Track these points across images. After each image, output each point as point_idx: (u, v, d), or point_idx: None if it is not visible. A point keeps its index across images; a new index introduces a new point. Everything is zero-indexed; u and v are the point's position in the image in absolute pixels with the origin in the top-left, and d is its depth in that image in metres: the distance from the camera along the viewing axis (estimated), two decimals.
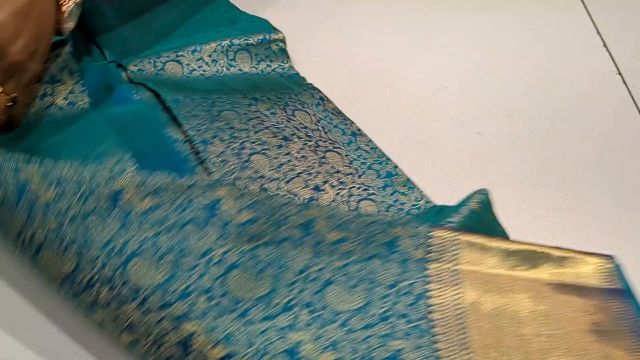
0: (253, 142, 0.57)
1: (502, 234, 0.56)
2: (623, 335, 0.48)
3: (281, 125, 0.61)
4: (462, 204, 0.55)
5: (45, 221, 0.40)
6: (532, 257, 0.52)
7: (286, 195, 0.53)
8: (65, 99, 0.55)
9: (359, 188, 0.58)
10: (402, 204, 0.58)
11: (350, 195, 0.57)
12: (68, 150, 0.50)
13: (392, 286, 0.46)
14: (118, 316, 0.40)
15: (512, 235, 0.57)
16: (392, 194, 0.59)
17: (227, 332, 0.39)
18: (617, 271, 0.53)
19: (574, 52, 0.81)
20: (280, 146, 0.58)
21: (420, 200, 0.59)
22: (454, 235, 0.50)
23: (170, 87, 0.60)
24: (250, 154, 0.56)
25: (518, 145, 0.69)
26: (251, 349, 0.39)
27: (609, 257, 0.54)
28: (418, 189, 0.60)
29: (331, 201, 0.56)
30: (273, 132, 0.59)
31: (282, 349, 0.40)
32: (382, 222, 0.49)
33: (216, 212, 0.44)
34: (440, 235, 0.50)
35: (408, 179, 0.61)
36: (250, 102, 0.61)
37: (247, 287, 0.42)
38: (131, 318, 0.39)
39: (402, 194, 0.59)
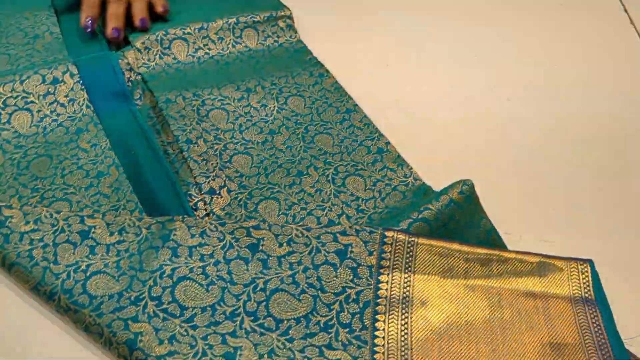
0: (236, 143, 0.57)
1: (486, 227, 0.51)
2: (584, 350, 0.43)
3: (270, 119, 0.59)
4: (443, 192, 0.51)
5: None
6: (496, 264, 0.47)
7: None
8: (66, 96, 0.58)
9: (346, 165, 0.56)
10: (390, 179, 0.55)
11: (337, 173, 0.55)
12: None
13: (339, 293, 0.45)
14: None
15: (523, 210, 0.54)
16: (381, 169, 0.56)
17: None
18: (593, 279, 0.46)
19: (600, 27, 0.76)
20: (265, 141, 0.58)
21: (408, 177, 0.56)
22: (410, 239, 0.47)
23: (165, 83, 0.61)
24: (232, 155, 0.56)
25: (546, 113, 0.65)
26: (193, 349, 0.41)
27: (585, 262, 0.47)
28: (408, 165, 0.56)
29: (315, 182, 0.54)
30: (260, 128, 0.59)
31: (221, 353, 0.41)
32: (334, 232, 0.48)
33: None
34: (396, 239, 0.47)
35: (399, 156, 0.57)
36: (241, 96, 0.61)
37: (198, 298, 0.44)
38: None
39: (391, 170, 0.56)
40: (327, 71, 0.64)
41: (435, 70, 0.67)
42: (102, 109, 0.59)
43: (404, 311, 0.44)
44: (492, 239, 0.51)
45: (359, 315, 0.44)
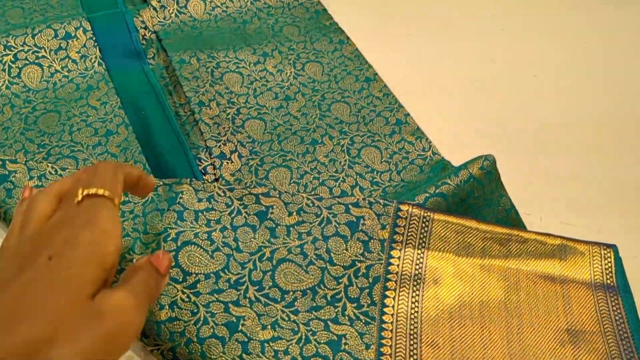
0: (250, 107, 0.54)
1: (506, 206, 0.48)
2: (604, 339, 0.39)
3: (285, 84, 0.56)
4: (463, 166, 0.47)
5: None
6: (514, 244, 0.44)
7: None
8: (78, 52, 0.56)
9: (362, 135, 0.53)
10: (408, 152, 0.52)
11: (352, 143, 0.52)
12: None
13: (348, 267, 0.42)
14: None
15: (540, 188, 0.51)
16: (398, 142, 0.53)
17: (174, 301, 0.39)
18: (616, 265, 0.43)
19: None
20: (279, 107, 0.54)
21: (427, 151, 0.52)
22: (426, 214, 0.44)
23: (180, 42, 0.58)
24: (245, 120, 0.53)
25: (574, 91, 0.60)
26: (194, 317, 0.39)
27: (609, 247, 0.44)
28: (427, 139, 0.53)
29: (329, 151, 0.52)
30: (275, 93, 0.55)
31: (223, 322, 0.39)
32: (346, 203, 0.45)
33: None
34: (411, 213, 0.44)
35: (418, 128, 0.54)
36: (257, 60, 0.58)
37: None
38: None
39: (409, 142, 0.53)
40: (348, 38, 0.61)
41: (460, 42, 0.64)
42: (114, 66, 0.56)
43: (415, 288, 0.41)
44: (512, 219, 0.48)
45: (367, 290, 0.41)
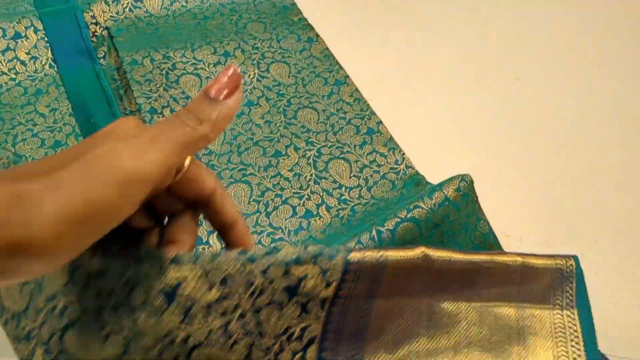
0: None
1: (483, 230, 0.42)
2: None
3: (248, 87, 0.50)
4: (437, 187, 0.41)
5: None
6: (464, 316, 0.37)
7: None
8: (27, 53, 0.50)
9: (331, 147, 0.47)
10: (379, 165, 0.46)
11: (319, 155, 0.46)
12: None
13: (281, 334, 0.32)
14: None
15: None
16: (369, 153, 0.47)
17: None
18: (578, 284, 0.36)
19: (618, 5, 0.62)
20: (241, 114, 0.48)
21: (400, 164, 0.46)
22: (381, 258, 0.33)
23: (134, 39, 0.51)
24: None
25: (558, 95, 0.53)
26: None
27: (568, 259, 0.36)
28: (400, 150, 0.47)
29: (294, 164, 0.45)
30: None
31: None
32: (287, 261, 0.31)
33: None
34: (362, 263, 0.33)
35: (391, 138, 0.48)
36: (218, 60, 0.51)
37: None
38: None
39: (381, 154, 0.47)
40: (317, 35, 0.54)
41: (439, 39, 0.57)
42: (65, 68, 0.50)
43: (354, 346, 0.34)
44: (489, 245, 0.42)
45: (300, 354, 0.33)
